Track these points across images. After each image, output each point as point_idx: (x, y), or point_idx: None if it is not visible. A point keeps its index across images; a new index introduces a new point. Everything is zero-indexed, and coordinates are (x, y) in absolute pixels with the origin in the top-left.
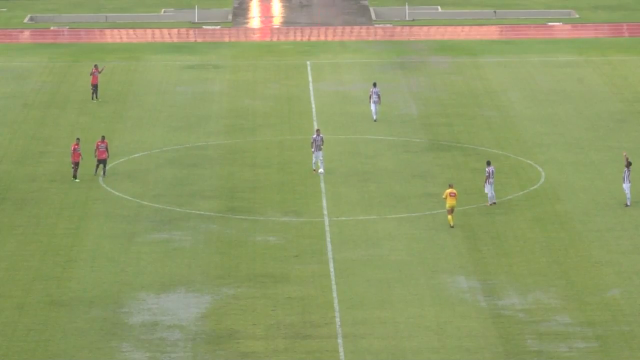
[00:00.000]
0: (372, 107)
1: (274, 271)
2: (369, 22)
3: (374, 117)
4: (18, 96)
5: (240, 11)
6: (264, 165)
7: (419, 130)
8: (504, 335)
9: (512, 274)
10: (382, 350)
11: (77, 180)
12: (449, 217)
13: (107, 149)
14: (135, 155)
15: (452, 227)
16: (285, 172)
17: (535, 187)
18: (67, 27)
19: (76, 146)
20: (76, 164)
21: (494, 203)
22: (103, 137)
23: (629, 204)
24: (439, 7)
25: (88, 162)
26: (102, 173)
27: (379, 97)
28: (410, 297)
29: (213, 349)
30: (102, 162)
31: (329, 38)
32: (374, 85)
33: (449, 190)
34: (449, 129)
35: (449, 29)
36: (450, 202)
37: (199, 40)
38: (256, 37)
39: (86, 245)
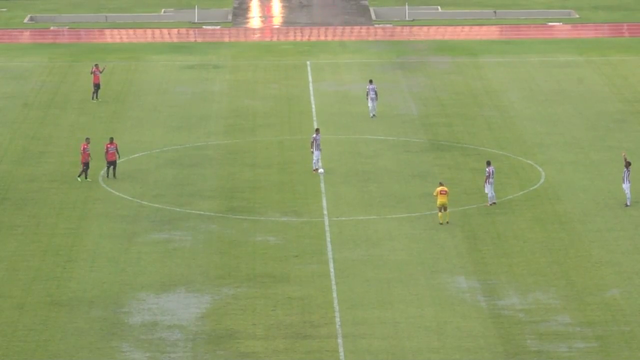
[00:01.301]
0: (370, 103)
1: (274, 271)
2: (369, 22)
3: (371, 114)
4: (18, 96)
5: (240, 11)
6: (264, 165)
7: (419, 130)
8: (504, 335)
9: (512, 274)
10: (382, 350)
11: (78, 179)
12: (439, 214)
13: (117, 150)
14: (135, 155)
15: (441, 224)
16: (285, 172)
17: (535, 187)
18: (67, 27)
19: (85, 146)
20: (85, 165)
21: (494, 203)
22: (112, 139)
23: (629, 204)
24: (439, 7)
25: (96, 164)
26: (112, 175)
27: (376, 93)
28: (410, 297)
29: (213, 349)
30: (112, 164)
31: (329, 38)
32: (370, 82)
33: (439, 188)
34: (449, 129)
35: (449, 29)
36: (440, 200)
37: (199, 40)
38: (256, 37)
39: (86, 245)
